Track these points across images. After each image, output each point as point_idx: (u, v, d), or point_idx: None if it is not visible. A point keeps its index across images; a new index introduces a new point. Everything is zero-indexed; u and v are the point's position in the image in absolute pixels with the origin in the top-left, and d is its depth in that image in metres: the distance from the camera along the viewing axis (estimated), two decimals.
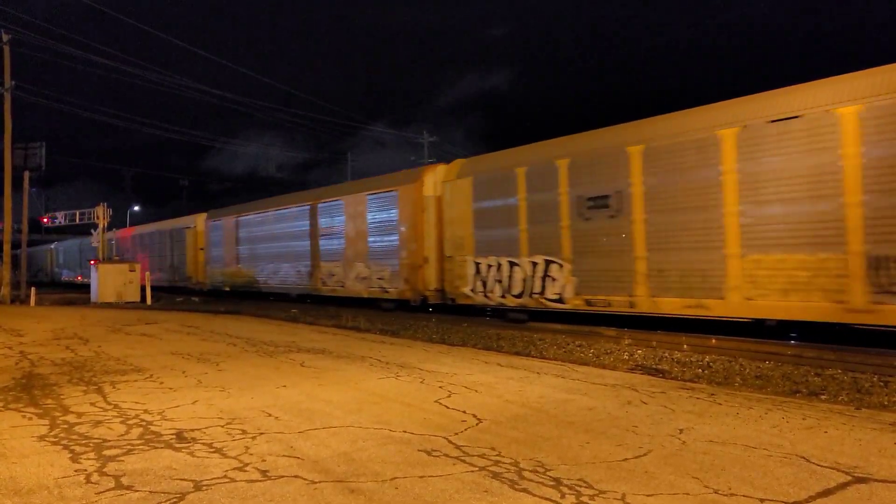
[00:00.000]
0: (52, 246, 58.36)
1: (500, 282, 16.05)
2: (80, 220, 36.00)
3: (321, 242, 23.14)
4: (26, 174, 29.98)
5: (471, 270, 16.92)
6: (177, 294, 32.54)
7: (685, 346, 11.19)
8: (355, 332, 14.27)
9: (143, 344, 12.29)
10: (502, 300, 16.00)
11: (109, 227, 33.83)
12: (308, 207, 24.04)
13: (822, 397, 7.15)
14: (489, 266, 16.41)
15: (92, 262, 29.73)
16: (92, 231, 32.94)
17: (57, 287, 47.92)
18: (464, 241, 17.18)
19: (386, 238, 19.99)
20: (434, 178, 18.64)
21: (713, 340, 11.92)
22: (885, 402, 6.80)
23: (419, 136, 52.36)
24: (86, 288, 34.47)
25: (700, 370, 8.83)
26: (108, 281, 27.55)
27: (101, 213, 31.46)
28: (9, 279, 28.19)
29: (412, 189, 19.00)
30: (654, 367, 9.07)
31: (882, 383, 7.78)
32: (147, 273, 29.77)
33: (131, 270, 28.46)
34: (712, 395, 7.18)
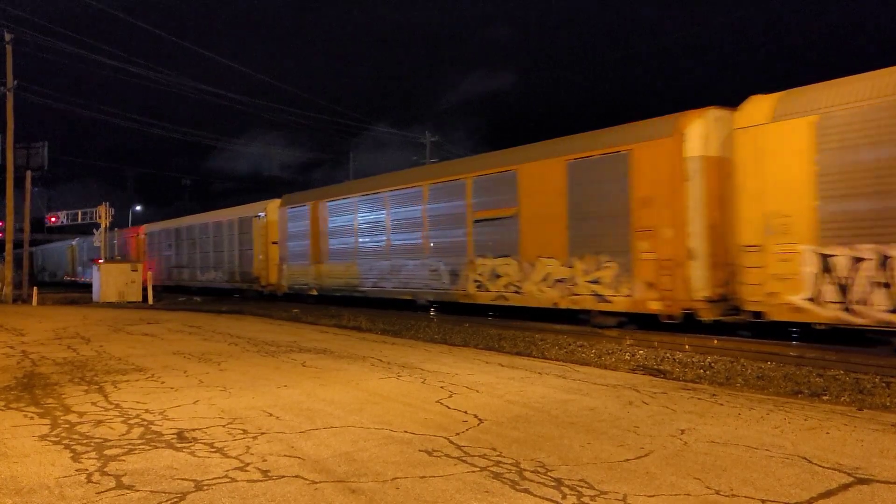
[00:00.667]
0: (74, 242, 51.77)
1: (886, 286, 10.02)
2: (83, 219, 36.05)
3: (476, 230, 17.08)
4: (28, 174, 30.06)
5: (808, 267, 10.88)
6: (237, 298, 28.33)
7: (687, 347, 11.17)
8: (357, 332, 14.27)
9: (144, 343, 12.29)
10: (891, 317, 10.00)
11: (111, 227, 33.78)
12: (454, 184, 18.02)
13: (824, 398, 7.13)
14: (856, 260, 10.36)
15: (95, 261, 29.79)
16: (94, 231, 32.95)
17: (78, 288, 42.84)
18: (789, 221, 11.19)
19: (602, 222, 14.02)
20: (704, 129, 12.72)
21: (715, 341, 11.90)
22: (887, 403, 6.78)
23: (421, 136, 52.37)
24: (83, 287, 34.56)
25: (701, 371, 8.81)
26: (110, 280, 27.61)
27: (104, 213, 31.52)
28: (11, 278, 28.24)
29: (661, 147, 13.07)
30: (655, 367, 9.05)
31: (884, 384, 7.76)
32: (150, 273, 29.81)
33: (133, 270, 28.54)
34: (714, 395, 7.17)
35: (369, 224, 21.22)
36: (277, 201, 26.90)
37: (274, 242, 26.51)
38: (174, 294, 32.40)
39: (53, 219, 41.53)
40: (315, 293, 23.99)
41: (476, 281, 17.10)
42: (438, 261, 18.36)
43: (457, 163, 19.37)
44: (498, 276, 16.47)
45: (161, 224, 39.37)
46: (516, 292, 16.00)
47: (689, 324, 12.66)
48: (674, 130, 12.91)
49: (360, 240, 21.54)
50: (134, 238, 40.71)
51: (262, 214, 27.31)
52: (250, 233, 27.98)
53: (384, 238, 20.44)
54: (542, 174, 15.55)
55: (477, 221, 17.15)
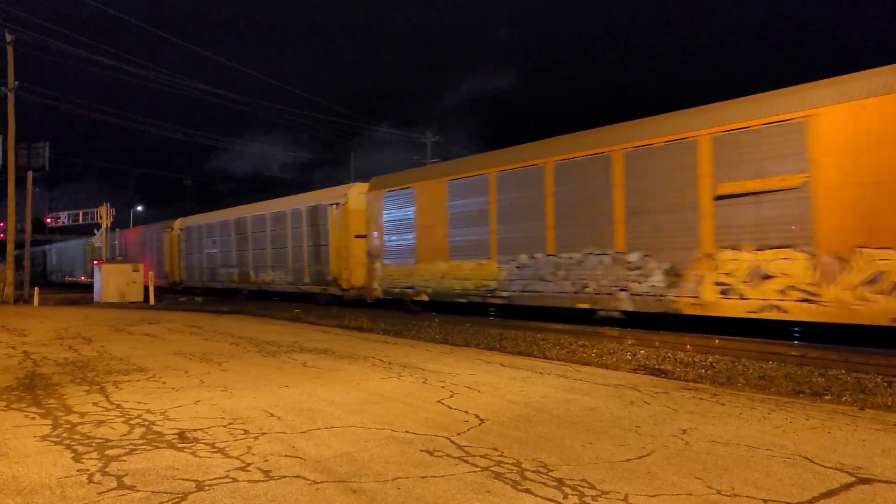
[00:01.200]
0: (94, 240, 47.24)
1: None
2: (84, 220, 36.05)
3: (720, 210, 11.98)
4: (30, 174, 30.10)
5: None
6: (304, 303, 24.40)
7: (688, 346, 11.17)
8: (358, 332, 14.27)
9: (145, 344, 12.30)
10: None
11: (112, 227, 33.76)
12: (675, 145, 12.73)
13: (826, 398, 7.13)
14: None
15: (95, 261, 29.81)
16: (95, 231, 32.98)
17: (80, 288, 40.25)
18: None
19: None
20: None
21: (716, 341, 11.89)
22: (889, 403, 6.78)
23: (423, 136, 52.38)
24: (88, 288, 34.50)
25: (703, 370, 8.81)
26: (111, 281, 27.64)
27: (105, 213, 31.57)
28: (12, 279, 28.29)
29: None
30: (656, 367, 9.05)
31: (886, 384, 7.76)
32: (151, 273, 29.80)
33: (135, 270, 28.57)
34: (715, 395, 7.16)
35: (516, 207, 15.86)
36: (362, 185, 22.31)
37: (359, 236, 21.77)
38: (222, 298, 29.74)
39: (49, 220, 41.26)
40: (425, 298, 18.61)
41: (720, 283, 11.96)
42: (644, 255, 13.21)
43: (677, 116, 13.18)
44: (766, 277, 11.30)
45: (201, 217, 34.25)
46: (806, 301, 10.82)
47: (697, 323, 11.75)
48: None
49: (501, 228, 16.22)
50: (166, 234, 36.21)
51: (341, 201, 22.58)
52: (325, 224, 23.32)
53: (541, 225, 15.16)
54: (866, 119, 10.27)
55: (721, 198, 11.95)
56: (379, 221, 20.56)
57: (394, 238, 19.95)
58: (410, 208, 19.29)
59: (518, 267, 15.78)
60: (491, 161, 17.06)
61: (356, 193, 22.31)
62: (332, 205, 23.11)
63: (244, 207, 30.20)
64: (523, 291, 15.59)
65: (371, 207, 21.03)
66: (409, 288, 19.27)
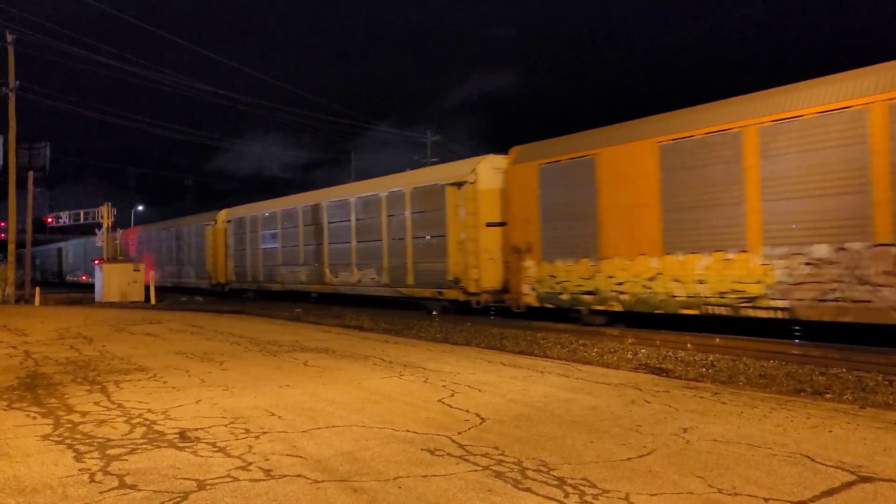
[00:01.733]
0: (118, 234, 39.00)
1: None
2: (85, 219, 36.02)
3: None
4: (30, 174, 30.14)
5: None
6: (405, 309, 19.87)
7: (689, 345, 11.16)
8: (359, 331, 14.27)
9: (146, 343, 12.31)
10: None
11: (114, 227, 33.69)
12: None
13: (827, 396, 7.12)
14: None
15: (96, 261, 29.83)
16: (96, 231, 32.97)
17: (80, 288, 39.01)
18: None
19: None
20: None
21: (717, 339, 11.89)
22: (890, 401, 6.77)
23: (422, 136, 52.39)
24: (89, 287, 34.47)
25: (704, 369, 8.80)
26: (112, 280, 27.69)
27: (106, 213, 31.56)
28: (13, 279, 28.33)
29: None
30: (657, 366, 9.04)
31: (887, 382, 7.75)
32: (151, 273, 29.78)
33: (136, 270, 28.61)
34: (716, 394, 7.16)
35: (801, 174, 10.92)
36: (497, 158, 17.35)
37: (492, 224, 16.96)
38: (271, 300, 26.78)
39: (50, 219, 41.21)
40: (617, 308, 13.85)
41: None
42: None
43: None
44: None
45: (255, 207, 29.34)
46: None
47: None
48: None
49: (770, 207, 11.35)
50: (208, 228, 31.70)
51: (468, 180, 17.48)
52: (441, 210, 18.33)
53: (863, 198, 10.28)
54: None
55: None
56: (531, 204, 15.60)
57: (558, 226, 15.03)
58: (588, 185, 14.35)
59: (808, 263, 10.89)
60: (749, 109, 11.81)
61: (488, 168, 17.19)
62: (452, 184, 17.99)
63: (317, 193, 25.56)
64: (821, 300, 10.69)
65: (515, 186, 16.14)
66: (587, 294, 14.40)
